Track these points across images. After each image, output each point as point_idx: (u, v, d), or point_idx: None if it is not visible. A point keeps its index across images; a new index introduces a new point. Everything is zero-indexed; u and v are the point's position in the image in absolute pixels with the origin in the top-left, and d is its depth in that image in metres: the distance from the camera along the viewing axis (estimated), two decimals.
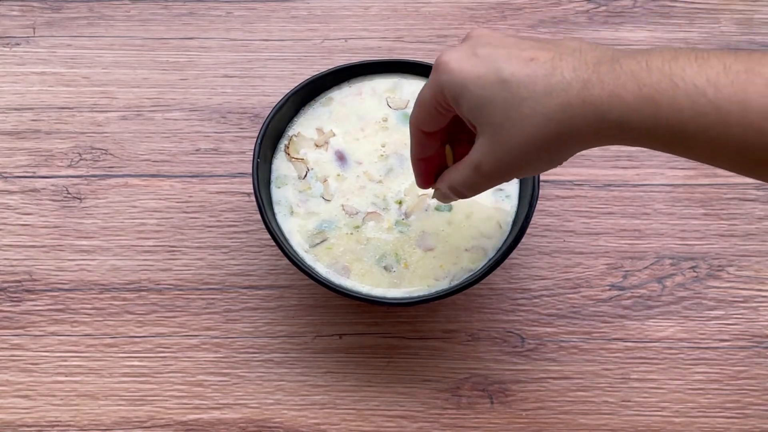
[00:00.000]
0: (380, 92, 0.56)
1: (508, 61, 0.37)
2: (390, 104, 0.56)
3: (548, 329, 0.56)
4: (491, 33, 0.40)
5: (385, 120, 0.55)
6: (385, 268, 0.52)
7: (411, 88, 0.56)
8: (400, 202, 0.53)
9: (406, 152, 0.55)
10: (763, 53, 0.33)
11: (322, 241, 0.52)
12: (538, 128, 0.36)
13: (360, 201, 0.53)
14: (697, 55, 0.34)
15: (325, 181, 0.54)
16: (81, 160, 0.61)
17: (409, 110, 0.55)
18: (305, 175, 0.54)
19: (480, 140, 0.39)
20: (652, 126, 0.34)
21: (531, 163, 0.39)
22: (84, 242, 0.58)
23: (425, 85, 0.41)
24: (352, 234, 0.52)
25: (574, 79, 0.35)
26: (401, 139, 0.55)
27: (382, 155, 0.54)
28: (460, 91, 0.38)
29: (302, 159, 0.54)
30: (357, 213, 0.53)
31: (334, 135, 0.55)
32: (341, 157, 0.54)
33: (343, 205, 0.53)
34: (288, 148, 0.55)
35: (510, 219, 0.53)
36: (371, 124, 0.55)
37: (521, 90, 0.36)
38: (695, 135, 0.33)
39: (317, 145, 0.55)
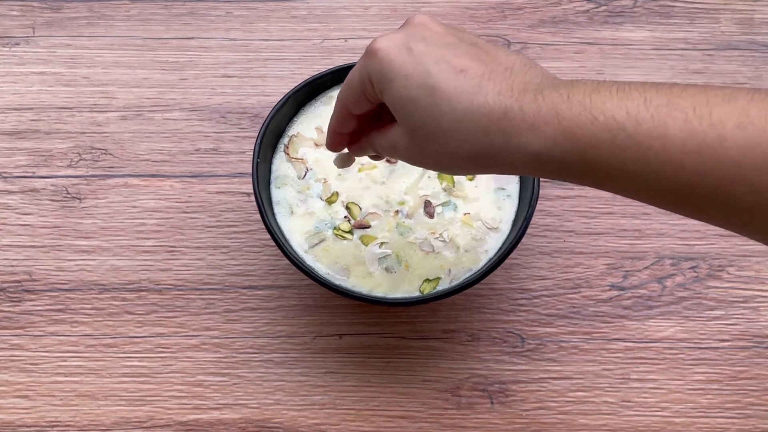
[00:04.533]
0: None
1: (438, 65, 0.36)
2: None
3: (548, 329, 0.56)
4: (431, 25, 0.38)
5: None
6: (386, 269, 0.52)
7: None
8: (402, 203, 0.53)
9: None
10: (684, 86, 0.32)
11: (321, 242, 0.52)
12: (454, 146, 0.36)
13: (362, 202, 0.53)
14: (618, 87, 0.33)
15: (325, 181, 0.54)
16: (81, 160, 0.61)
17: None
18: (304, 176, 0.54)
19: (400, 128, 0.39)
20: (572, 160, 0.33)
21: (442, 168, 0.39)
22: (84, 242, 0.58)
23: (355, 66, 0.39)
24: (352, 234, 0.52)
25: (497, 105, 0.34)
26: None
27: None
28: (387, 84, 0.37)
29: (301, 159, 0.54)
30: (358, 213, 0.53)
31: None
32: None
33: (344, 206, 0.53)
34: (287, 148, 0.55)
35: (510, 219, 0.53)
36: None
37: (443, 103, 0.35)
38: (615, 170, 0.32)
39: (317, 145, 0.55)
